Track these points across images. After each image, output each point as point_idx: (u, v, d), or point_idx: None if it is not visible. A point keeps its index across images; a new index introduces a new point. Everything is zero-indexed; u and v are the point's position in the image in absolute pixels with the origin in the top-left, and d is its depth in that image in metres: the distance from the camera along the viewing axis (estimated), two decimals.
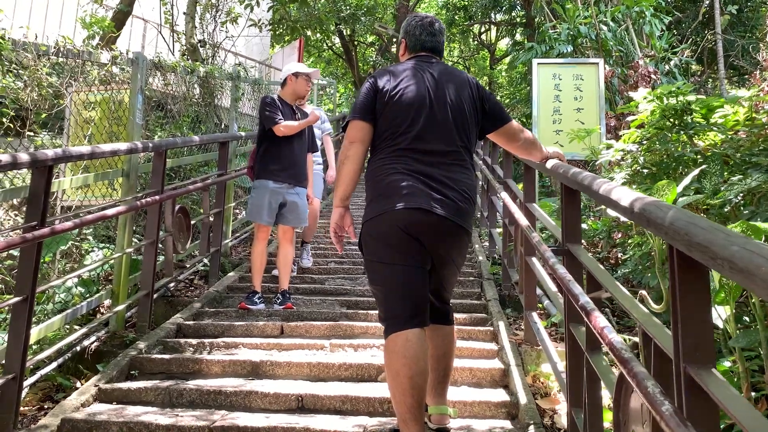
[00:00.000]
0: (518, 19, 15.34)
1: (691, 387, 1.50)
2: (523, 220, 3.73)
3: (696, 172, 3.40)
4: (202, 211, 5.83)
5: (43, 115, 4.85)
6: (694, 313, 1.53)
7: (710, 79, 13.35)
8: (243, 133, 6.98)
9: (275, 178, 4.97)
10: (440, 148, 2.82)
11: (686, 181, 3.32)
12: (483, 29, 22.22)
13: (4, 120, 4.56)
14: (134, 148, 4.20)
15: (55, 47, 4.82)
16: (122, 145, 4.07)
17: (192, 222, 5.33)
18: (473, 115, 2.97)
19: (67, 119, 5.22)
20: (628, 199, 1.95)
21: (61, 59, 4.80)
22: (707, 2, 12.06)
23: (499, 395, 3.51)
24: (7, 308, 3.29)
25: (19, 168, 3.07)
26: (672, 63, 9.37)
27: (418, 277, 2.78)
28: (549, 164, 3.27)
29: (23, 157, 3.03)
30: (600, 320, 1.90)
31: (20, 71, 4.62)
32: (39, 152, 3.16)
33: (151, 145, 4.45)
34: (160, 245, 4.89)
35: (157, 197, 4.41)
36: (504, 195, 4.88)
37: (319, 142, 6.13)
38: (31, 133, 4.94)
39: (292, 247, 5.27)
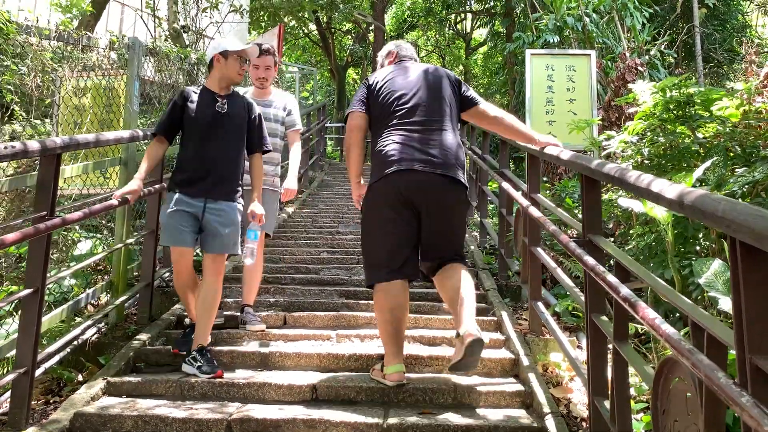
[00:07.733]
0: (497, 9, 15.37)
1: (759, 376, 1.53)
2: (535, 212, 3.75)
3: (708, 164, 3.45)
4: None
5: (47, 102, 4.68)
6: (759, 303, 1.56)
7: (687, 72, 13.61)
8: None
9: (182, 190, 3.66)
10: (423, 118, 3.42)
11: (698, 172, 3.37)
12: (459, 18, 22.26)
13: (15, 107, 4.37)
14: (136, 135, 4.10)
15: (56, 31, 4.66)
16: (124, 133, 3.98)
17: None
18: (450, 95, 3.56)
19: (58, 106, 5.07)
20: (675, 191, 1.95)
21: (60, 44, 4.64)
22: None
23: (511, 385, 3.54)
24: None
25: (30, 156, 2.97)
26: (652, 55, 9.51)
27: (404, 234, 3.35)
28: (565, 155, 3.29)
29: (33, 145, 2.94)
30: (649, 312, 1.91)
31: (23, 56, 4.45)
32: (48, 140, 3.07)
33: (150, 133, 4.34)
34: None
35: (157, 186, 4.32)
36: (505, 185, 4.90)
37: (280, 141, 4.62)
38: (22, 120, 4.77)
39: (219, 281, 3.79)
